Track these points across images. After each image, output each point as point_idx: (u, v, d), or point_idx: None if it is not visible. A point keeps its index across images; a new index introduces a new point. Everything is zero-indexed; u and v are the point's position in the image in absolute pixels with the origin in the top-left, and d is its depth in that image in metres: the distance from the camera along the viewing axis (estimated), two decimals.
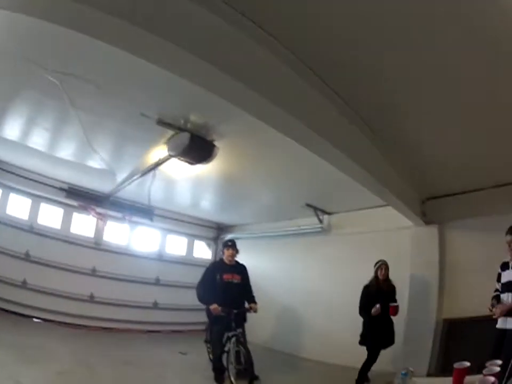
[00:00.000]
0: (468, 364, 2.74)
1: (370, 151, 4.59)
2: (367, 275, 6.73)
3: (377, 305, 5.06)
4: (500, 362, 2.74)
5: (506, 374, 3.23)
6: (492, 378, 2.40)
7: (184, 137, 4.44)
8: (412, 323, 5.97)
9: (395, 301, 5.36)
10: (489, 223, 5.57)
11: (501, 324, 3.77)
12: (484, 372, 2.56)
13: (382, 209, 6.38)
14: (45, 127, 4.95)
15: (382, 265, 5.45)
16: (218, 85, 2.84)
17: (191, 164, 4.82)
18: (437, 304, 5.79)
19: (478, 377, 2.52)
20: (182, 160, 4.77)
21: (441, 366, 5.48)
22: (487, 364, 2.70)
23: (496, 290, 4.03)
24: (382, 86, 3.56)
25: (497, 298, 3.93)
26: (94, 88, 3.67)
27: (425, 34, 2.79)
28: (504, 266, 4.03)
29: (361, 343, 5.38)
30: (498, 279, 4.05)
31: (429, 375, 5.45)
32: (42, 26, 2.53)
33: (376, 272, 5.46)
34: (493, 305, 3.88)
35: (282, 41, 3.00)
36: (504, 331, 3.73)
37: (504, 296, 3.86)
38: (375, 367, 5.38)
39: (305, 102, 3.42)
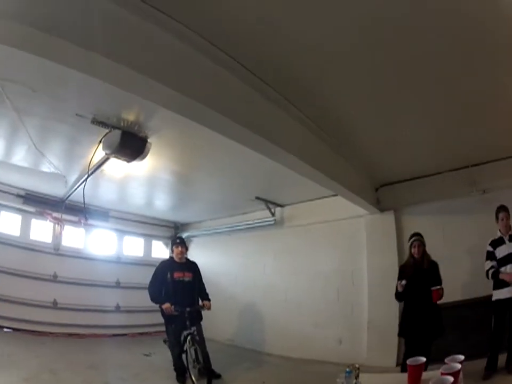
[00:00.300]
0: (423, 359, 2.54)
1: (317, 145, 4.62)
2: (322, 266, 6.78)
3: (403, 281, 4.35)
4: (461, 357, 2.48)
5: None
6: (451, 379, 2.06)
7: (116, 135, 4.37)
8: (374, 313, 6.02)
9: (438, 282, 4.33)
10: (445, 206, 5.71)
11: (506, 293, 4.14)
12: (442, 369, 2.26)
13: (335, 199, 6.36)
14: None
15: (415, 242, 4.59)
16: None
17: (127, 161, 4.72)
18: None
19: (435, 373, 2.30)
20: (118, 158, 4.67)
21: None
22: (447, 360, 2.44)
23: (492, 267, 4.32)
24: (322, 77, 3.55)
25: (496, 274, 4.26)
26: (30, 91, 3.62)
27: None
28: (498, 242, 4.38)
29: (399, 333, 4.76)
30: (490, 257, 4.37)
31: (398, 365, 5.42)
32: None
33: (410, 250, 4.66)
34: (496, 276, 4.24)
35: (197, 31, 2.93)
36: (507, 301, 4.13)
37: (508, 268, 4.20)
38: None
39: (243, 103, 3.46)
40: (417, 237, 4.61)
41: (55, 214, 7.62)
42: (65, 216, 7.73)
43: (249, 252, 8.29)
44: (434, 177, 5.80)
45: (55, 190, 7.22)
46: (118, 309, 8.28)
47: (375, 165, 5.66)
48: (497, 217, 4.43)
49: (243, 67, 3.34)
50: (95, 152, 4.83)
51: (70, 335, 7.32)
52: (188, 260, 5.48)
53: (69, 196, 7.12)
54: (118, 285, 8.47)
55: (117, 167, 5.47)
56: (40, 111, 4.14)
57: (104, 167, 5.37)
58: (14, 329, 6.73)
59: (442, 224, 5.66)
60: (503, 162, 5.19)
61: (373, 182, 6.26)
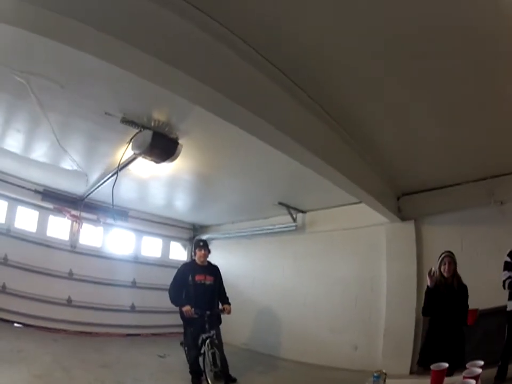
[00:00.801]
0: (446, 364, 2.58)
1: (343, 150, 4.58)
2: (342, 272, 6.77)
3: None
4: (481, 363, 2.57)
5: None
6: (473, 382, 2.17)
7: (147, 135, 4.36)
8: (391, 320, 5.99)
9: (461, 305, 3.97)
10: (465, 216, 5.70)
11: None
12: (464, 374, 2.36)
13: (357, 206, 6.35)
14: (18, 128, 4.84)
15: (446, 258, 4.16)
16: (177, 84, 2.81)
17: (156, 162, 4.72)
18: (417, 300, 5.71)
19: (458, 378, 2.37)
20: (146, 158, 4.67)
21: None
22: (468, 365, 2.54)
23: (509, 277, 4.19)
24: (351, 87, 3.57)
25: None
26: (58, 87, 3.61)
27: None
28: None
29: (420, 362, 4.20)
30: (508, 267, 4.25)
31: (412, 373, 5.40)
32: (4, 27, 2.45)
33: (439, 267, 4.17)
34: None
35: (246, 40, 2.98)
36: None
37: None
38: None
39: (275, 104, 3.42)
40: (449, 253, 4.20)
41: (73, 212, 7.66)
42: (84, 214, 7.77)
43: (268, 256, 8.29)
44: (454, 188, 5.79)
45: (74, 187, 7.27)
46: (133, 308, 8.29)
47: (398, 174, 5.65)
48: None
49: (278, 69, 3.34)
50: (125, 151, 4.82)
51: (83, 333, 7.33)
52: (209, 263, 5.44)
53: (89, 194, 7.18)
54: (134, 284, 8.48)
55: (142, 167, 5.46)
56: (67, 108, 4.14)
57: (130, 166, 5.36)
58: (25, 324, 6.75)
59: (460, 235, 5.63)
60: None
61: (395, 191, 6.25)
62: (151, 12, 2.45)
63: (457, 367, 3.32)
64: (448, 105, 3.84)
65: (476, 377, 2.27)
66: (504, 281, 4.21)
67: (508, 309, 4.22)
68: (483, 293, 4.67)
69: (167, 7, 2.52)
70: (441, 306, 3.97)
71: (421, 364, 4.18)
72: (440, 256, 4.22)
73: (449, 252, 4.24)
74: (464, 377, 2.31)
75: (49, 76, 3.45)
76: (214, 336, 4.88)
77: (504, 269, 4.26)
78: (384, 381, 2.59)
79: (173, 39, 2.57)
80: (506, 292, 4.27)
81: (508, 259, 4.28)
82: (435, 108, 3.91)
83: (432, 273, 4.00)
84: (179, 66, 2.54)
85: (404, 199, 6.33)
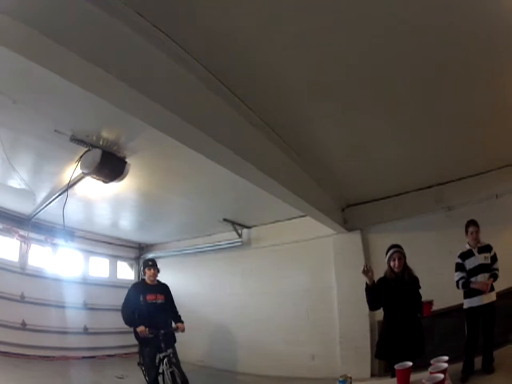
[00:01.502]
0: (410, 363, 2.64)
1: (287, 165, 4.74)
2: (292, 285, 6.93)
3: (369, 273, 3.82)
4: (446, 358, 2.67)
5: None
6: (441, 375, 2.27)
7: (96, 154, 4.38)
8: (345, 328, 6.21)
9: (415, 297, 3.92)
10: (412, 224, 6.00)
11: (486, 299, 4.43)
12: (430, 369, 2.46)
13: (302, 220, 6.60)
14: None
15: (395, 254, 3.95)
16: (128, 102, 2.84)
17: (105, 182, 4.72)
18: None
19: (424, 374, 2.44)
20: (95, 178, 4.66)
21: (385, 366, 5.54)
22: (433, 361, 2.63)
23: (462, 278, 4.62)
24: (294, 98, 3.71)
25: (467, 284, 4.56)
26: (11, 102, 3.55)
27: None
28: (467, 254, 4.68)
29: (378, 355, 4.12)
30: (460, 268, 4.67)
31: (373, 375, 5.60)
32: None
33: (388, 263, 4.01)
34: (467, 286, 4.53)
35: (189, 51, 3.03)
36: (479, 308, 4.45)
37: (480, 277, 4.52)
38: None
39: (219, 117, 3.49)
40: (397, 249, 3.98)
41: (21, 232, 7.41)
42: (32, 235, 7.54)
43: (217, 273, 8.35)
44: (401, 196, 6.12)
45: (22, 207, 7.03)
46: (86, 330, 8.07)
47: (343, 186, 5.88)
48: (466, 231, 4.72)
49: (227, 88, 3.46)
50: (74, 170, 4.78)
51: (41, 357, 7.08)
52: (159, 282, 5.41)
53: (37, 213, 6.99)
54: (85, 306, 8.26)
55: (89, 187, 5.45)
56: (17, 124, 4.06)
57: (76, 186, 5.34)
58: None
59: (409, 241, 5.66)
60: (467, 181, 5.59)
61: (340, 203, 6.49)
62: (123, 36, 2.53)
63: (419, 354, 3.61)
64: (397, 124, 4.16)
65: (443, 371, 2.37)
66: (457, 282, 4.62)
67: (465, 306, 4.61)
68: (439, 294, 4.90)
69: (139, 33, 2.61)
70: (394, 300, 3.87)
71: (378, 357, 4.18)
72: (388, 252, 4.04)
73: (397, 246, 4.04)
74: (431, 373, 2.39)
75: (2, 90, 3.39)
76: (171, 355, 4.85)
77: (456, 270, 4.68)
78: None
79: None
80: (460, 292, 4.67)
81: (459, 260, 4.68)
82: (383, 122, 4.17)
83: (367, 270, 3.83)
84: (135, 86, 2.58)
85: (348, 210, 6.60)
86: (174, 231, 8.54)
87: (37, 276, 7.65)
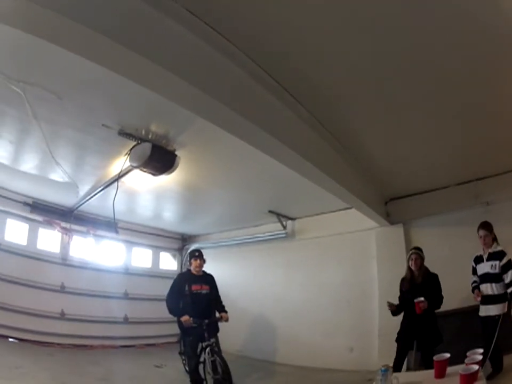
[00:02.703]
0: (447, 355, 2.76)
1: (332, 157, 4.69)
2: (333, 277, 6.91)
3: (393, 305, 4.58)
4: (481, 350, 2.80)
5: (488, 355, 3.83)
6: (476, 366, 2.41)
7: (146, 148, 4.41)
8: (385, 321, 6.07)
9: (431, 294, 4.42)
10: (452, 218, 5.92)
11: (484, 311, 4.26)
12: (466, 361, 2.58)
13: (345, 212, 6.58)
14: (9, 139, 4.74)
15: (413, 255, 4.66)
16: (177, 92, 2.80)
17: (154, 175, 4.77)
18: None
19: (460, 366, 2.53)
20: (144, 171, 4.71)
21: (419, 361, 5.58)
22: (468, 353, 2.74)
23: (474, 282, 4.47)
24: (342, 92, 3.66)
25: (477, 288, 4.37)
26: (56, 98, 3.59)
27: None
28: (478, 259, 4.48)
29: (396, 339, 4.73)
30: (474, 272, 4.52)
31: (408, 369, 5.56)
32: (3, 34, 2.46)
33: (408, 263, 4.74)
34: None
35: (245, 52, 3.03)
36: (483, 318, 4.25)
37: (483, 287, 4.30)
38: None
39: (270, 112, 3.48)
40: (415, 250, 4.70)
41: (63, 224, 7.60)
42: (73, 227, 7.72)
43: (259, 264, 8.38)
44: (441, 191, 6.01)
45: (64, 199, 7.19)
46: (126, 320, 8.21)
47: (386, 179, 5.82)
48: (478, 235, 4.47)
49: (278, 83, 3.44)
50: (124, 163, 4.82)
51: (78, 346, 7.25)
52: (204, 272, 5.49)
53: (80, 206, 7.14)
54: (126, 296, 8.41)
55: (135, 179, 5.51)
56: (62, 120, 4.10)
57: (124, 179, 5.39)
58: (19, 339, 6.62)
59: (448, 236, 5.84)
60: (505, 176, 5.42)
61: (383, 196, 6.43)
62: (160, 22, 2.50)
63: (436, 344, 4.29)
64: (435, 113, 4.01)
65: (478, 363, 2.48)
66: (471, 285, 4.45)
67: (480, 314, 4.35)
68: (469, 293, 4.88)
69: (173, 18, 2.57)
70: (410, 299, 4.41)
71: (396, 341, 4.65)
72: (408, 253, 4.77)
73: (416, 248, 4.74)
74: (467, 364, 2.51)
75: (47, 86, 3.42)
76: (214, 344, 4.93)
77: (472, 273, 4.52)
78: (392, 373, 2.69)
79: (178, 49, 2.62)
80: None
81: (473, 264, 4.51)
82: (423, 116, 4.08)
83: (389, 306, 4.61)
84: (181, 75, 2.56)
85: (391, 203, 6.52)
86: (217, 222, 8.59)
87: (77, 266, 7.85)
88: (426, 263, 4.61)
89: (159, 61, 2.40)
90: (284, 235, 7.75)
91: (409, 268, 4.69)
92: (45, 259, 7.45)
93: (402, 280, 4.77)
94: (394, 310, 4.60)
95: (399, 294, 4.74)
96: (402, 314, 4.69)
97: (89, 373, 5.65)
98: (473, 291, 4.41)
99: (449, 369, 2.70)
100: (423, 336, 4.38)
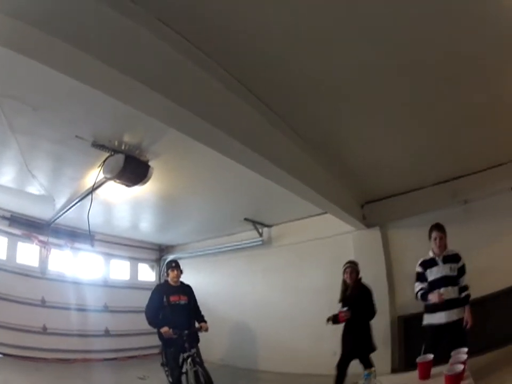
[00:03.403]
0: (431, 356, 2.81)
1: (306, 162, 4.73)
2: (313, 282, 6.93)
3: (344, 309, 4.78)
4: (466, 349, 2.80)
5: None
6: (461, 366, 2.41)
7: (119, 159, 4.42)
8: None
9: (363, 306, 4.78)
10: (430, 218, 5.80)
11: (446, 317, 3.95)
12: (451, 361, 2.60)
13: (322, 217, 6.60)
14: None
15: (347, 269, 5.02)
16: (150, 105, 2.82)
17: (128, 186, 4.77)
18: (389, 304, 6.00)
19: (444, 367, 2.55)
20: (118, 182, 4.70)
21: (405, 361, 5.66)
22: (453, 353, 2.76)
23: (421, 289, 4.16)
24: (312, 96, 3.70)
25: (426, 295, 4.06)
26: (30, 109, 3.59)
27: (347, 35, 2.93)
28: (429, 263, 4.21)
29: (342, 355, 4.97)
30: (420, 279, 4.22)
31: (393, 371, 5.60)
32: None
33: (343, 275, 5.05)
34: (425, 299, 4.06)
35: (207, 53, 3.03)
36: (442, 327, 3.96)
37: (443, 291, 3.99)
38: None
39: (239, 117, 3.49)
40: (350, 264, 5.05)
41: (41, 237, 7.49)
42: (51, 240, 7.61)
43: (238, 272, 8.37)
44: (418, 191, 6.09)
45: (41, 212, 7.11)
46: (107, 332, 8.12)
47: (361, 182, 5.88)
48: (430, 237, 4.30)
49: (243, 86, 3.44)
50: (98, 175, 4.80)
51: (61, 360, 7.15)
52: (182, 283, 5.48)
53: (57, 218, 7.06)
54: (106, 308, 8.31)
55: (110, 191, 5.49)
56: (37, 131, 4.08)
57: (98, 190, 5.36)
58: (4, 354, 6.50)
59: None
60: (482, 174, 5.52)
61: (359, 199, 6.48)
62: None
63: (368, 352, 4.69)
64: (410, 116, 4.12)
65: (463, 363, 2.50)
66: (416, 293, 4.19)
67: (425, 322, 4.19)
68: None
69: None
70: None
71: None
72: (344, 266, 5.07)
73: (351, 262, 5.11)
74: (451, 364, 2.53)
75: (23, 98, 3.42)
76: (195, 354, 4.90)
77: (416, 280, 4.25)
78: (375, 377, 2.74)
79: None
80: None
81: (420, 269, 4.25)
82: (398, 119, 4.18)
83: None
84: (154, 87, 2.56)
85: (367, 206, 6.60)
86: (194, 232, 8.57)
87: (57, 280, 7.72)
88: (406, 262, 4.83)
89: (130, 73, 2.41)
90: (260, 242, 7.78)
91: (344, 281, 5.02)
92: (24, 273, 7.31)
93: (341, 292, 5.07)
94: (333, 321, 4.85)
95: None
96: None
97: None
98: (422, 297, 4.12)
99: (434, 370, 2.72)
100: (357, 345, 4.72)
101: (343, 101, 3.78)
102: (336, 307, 5.75)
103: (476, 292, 4.31)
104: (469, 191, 5.65)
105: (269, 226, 7.82)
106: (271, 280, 7.70)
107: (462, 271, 4.10)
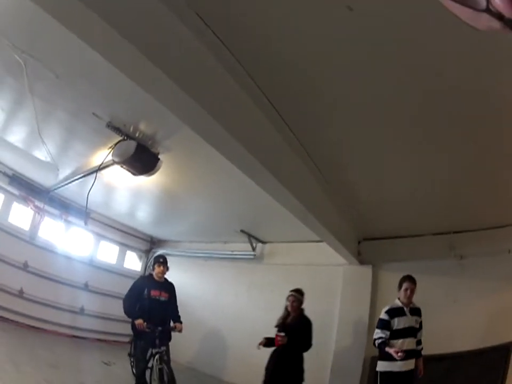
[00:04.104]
0: None
1: (314, 189, 4.69)
2: None
3: (282, 334, 4.77)
4: None
5: None
6: None
7: (130, 146, 4.39)
8: (339, 359, 6.12)
9: (300, 337, 4.82)
10: (423, 266, 5.86)
11: (406, 366, 4.05)
12: None
13: (317, 245, 6.48)
14: (1, 105, 4.64)
15: (290, 297, 5.09)
16: (166, 94, 2.76)
17: (134, 174, 4.74)
18: (366, 342, 5.87)
19: None
20: (124, 168, 4.68)
21: None
22: None
23: (381, 337, 4.18)
24: (331, 131, 3.71)
25: (384, 345, 4.11)
26: (53, 76, 3.57)
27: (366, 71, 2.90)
28: (397, 312, 4.26)
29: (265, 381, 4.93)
30: (384, 326, 4.21)
31: None
32: (22, 4, 2.44)
33: (286, 303, 5.14)
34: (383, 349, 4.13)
35: (244, 66, 3.01)
36: (403, 373, 4.05)
37: (407, 341, 4.14)
38: None
39: (257, 132, 3.46)
40: (294, 293, 5.09)
41: (37, 203, 7.49)
42: (47, 207, 7.62)
43: (223, 280, 8.32)
44: (416, 238, 6.01)
45: (43, 178, 7.15)
46: (82, 311, 8.08)
47: (363, 218, 5.82)
48: (400, 286, 4.36)
49: (266, 98, 3.36)
50: (106, 156, 4.81)
51: (32, 327, 7.15)
52: (166, 280, 5.47)
53: (57, 188, 7.08)
54: (86, 287, 8.29)
55: (115, 175, 5.48)
56: (56, 99, 4.07)
57: (104, 171, 5.35)
58: None
59: (418, 283, 5.83)
60: (482, 232, 5.44)
61: (357, 234, 6.42)
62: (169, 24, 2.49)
63: (299, 382, 4.76)
64: (420, 162, 4.05)
65: None
66: (376, 340, 4.22)
67: (380, 369, 4.22)
68: (434, 340, 4.89)
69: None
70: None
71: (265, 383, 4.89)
72: (288, 294, 5.13)
73: (296, 290, 5.14)
74: None
75: (47, 63, 3.41)
76: (164, 352, 4.89)
77: (379, 327, 4.26)
78: None
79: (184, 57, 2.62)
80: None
81: (386, 317, 4.24)
82: (408, 163, 4.11)
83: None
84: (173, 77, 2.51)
85: (364, 243, 6.52)
86: (189, 232, 8.57)
87: (44, 248, 7.72)
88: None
89: (160, 64, 2.39)
90: (252, 256, 7.72)
91: (286, 308, 5.07)
92: (13, 233, 7.30)
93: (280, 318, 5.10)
94: (265, 344, 4.90)
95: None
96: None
97: (41, 357, 5.67)
98: (381, 347, 4.15)
99: None
100: (287, 375, 4.74)
101: (364, 137, 3.74)
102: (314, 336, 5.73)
103: (460, 346, 4.63)
104: (466, 247, 5.58)
105: (263, 242, 7.77)
106: (255, 295, 7.63)
107: (421, 325, 4.33)
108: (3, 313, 6.83)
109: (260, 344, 4.90)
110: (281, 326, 4.96)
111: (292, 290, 5.14)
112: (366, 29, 2.45)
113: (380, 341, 4.17)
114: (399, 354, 3.89)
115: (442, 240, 5.74)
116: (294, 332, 4.79)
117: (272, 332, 5.14)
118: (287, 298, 5.09)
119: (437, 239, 5.81)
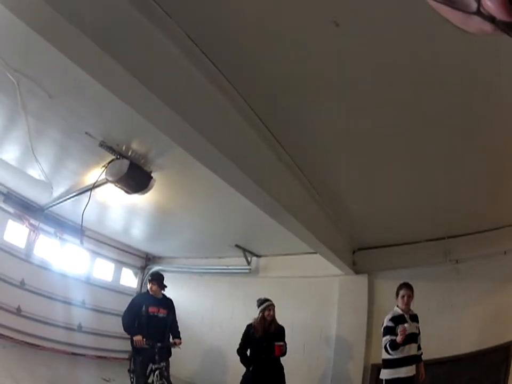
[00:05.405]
0: None
1: (306, 201, 4.71)
2: (292, 319, 6.85)
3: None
4: None
5: None
6: None
7: (123, 164, 4.44)
8: (339, 367, 6.13)
9: (285, 342, 5.10)
10: (419, 272, 5.91)
11: (407, 372, 4.12)
12: None
13: (311, 256, 6.49)
14: None
15: (271, 306, 5.21)
16: (154, 113, 2.81)
17: (127, 192, 4.77)
18: (365, 350, 5.93)
19: None
20: (117, 187, 4.71)
21: None
22: None
23: (390, 340, 4.18)
24: (326, 146, 3.77)
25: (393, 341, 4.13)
26: (46, 95, 3.60)
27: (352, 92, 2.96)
28: (399, 319, 4.26)
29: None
30: (391, 332, 4.20)
31: None
32: (15, 23, 2.38)
33: (263, 313, 5.19)
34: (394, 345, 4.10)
35: (235, 85, 3.04)
36: (409, 378, 4.12)
37: (411, 347, 4.17)
38: None
39: (247, 148, 3.49)
40: (271, 302, 5.25)
41: (32, 221, 7.47)
42: (42, 225, 7.58)
43: (219, 295, 8.32)
44: (411, 245, 6.04)
45: (37, 196, 7.12)
46: (80, 328, 8.03)
47: (356, 228, 5.86)
48: (397, 294, 4.40)
49: (257, 116, 3.39)
50: (100, 175, 4.84)
51: (30, 344, 7.10)
52: (164, 296, 5.49)
53: (52, 206, 7.06)
54: (83, 304, 8.24)
55: (108, 192, 5.49)
56: (49, 118, 4.12)
57: (97, 190, 5.37)
58: None
59: (414, 290, 5.90)
60: (478, 236, 5.48)
61: (351, 245, 6.44)
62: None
63: None
64: (410, 173, 4.13)
65: None
66: (385, 346, 4.20)
67: (387, 377, 4.25)
68: (431, 345, 4.92)
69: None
70: (260, 344, 5.04)
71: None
72: (263, 303, 5.26)
73: (269, 300, 5.29)
74: None
75: (41, 82, 3.44)
76: (164, 368, 4.91)
77: (386, 334, 4.25)
78: None
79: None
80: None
81: (391, 324, 4.25)
82: (399, 173, 4.19)
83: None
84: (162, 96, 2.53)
85: (359, 253, 6.54)
86: (183, 247, 8.56)
87: (40, 266, 7.67)
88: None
89: (149, 85, 2.41)
90: (247, 271, 7.74)
91: (263, 317, 5.16)
92: (9, 251, 7.26)
93: (249, 326, 5.31)
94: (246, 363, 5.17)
95: (244, 340, 5.28)
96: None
97: (40, 373, 5.71)
98: (392, 345, 4.13)
99: None
100: (273, 381, 4.96)
101: (354, 149, 3.81)
102: (312, 347, 5.77)
103: (460, 349, 4.70)
104: (461, 251, 5.62)
105: (258, 256, 7.78)
106: (251, 309, 7.52)
107: (419, 331, 4.37)
108: (2, 330, 6.78)
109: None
110: (267, 336, 5.07)
111: (266, 300, 5.29)
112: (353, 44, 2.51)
113: (389, 342, 4.17)
114: (401, 330, 3.99)
115: (437, 246, 5.77)
116: (279, 339, 5.08)
117: None
118: (267, 307, 5.19)
119: (431, 245, 5.84)
